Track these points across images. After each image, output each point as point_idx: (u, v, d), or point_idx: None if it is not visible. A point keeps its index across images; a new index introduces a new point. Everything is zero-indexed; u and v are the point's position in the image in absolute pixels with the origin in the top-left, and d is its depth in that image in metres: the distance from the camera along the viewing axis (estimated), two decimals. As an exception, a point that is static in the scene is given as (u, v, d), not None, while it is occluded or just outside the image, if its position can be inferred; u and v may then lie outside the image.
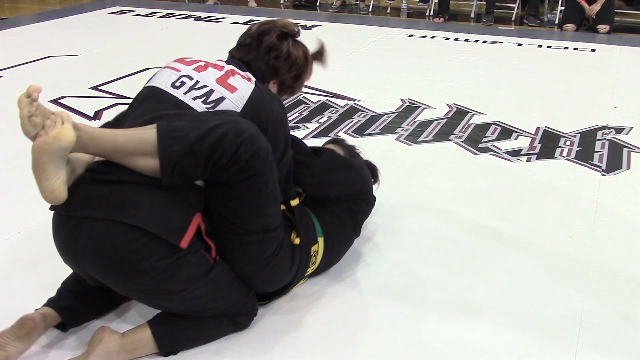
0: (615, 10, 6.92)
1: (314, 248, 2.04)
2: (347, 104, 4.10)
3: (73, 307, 1.89)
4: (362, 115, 3.89)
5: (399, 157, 3.31)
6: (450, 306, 2.09)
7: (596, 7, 6.54)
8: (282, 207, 1.94)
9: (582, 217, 2.69)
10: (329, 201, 2.19)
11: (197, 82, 1.85)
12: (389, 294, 2.14)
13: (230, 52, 2.07)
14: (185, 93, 1.82)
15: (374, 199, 2.39)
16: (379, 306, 2.08)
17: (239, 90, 1.84)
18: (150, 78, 1.95)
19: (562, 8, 7.10)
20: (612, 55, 5.59)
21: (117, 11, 7.26)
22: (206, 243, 1.76)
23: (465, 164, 3.22)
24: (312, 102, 4.14)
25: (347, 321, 2.00)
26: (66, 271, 1.96)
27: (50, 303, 1.88)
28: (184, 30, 6.45)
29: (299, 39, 2.08)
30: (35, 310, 1.86)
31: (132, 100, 1.94)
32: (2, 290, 2.12)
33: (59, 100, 4.03)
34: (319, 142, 3.20)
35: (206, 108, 1.79)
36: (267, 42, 1.99)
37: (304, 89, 4.35)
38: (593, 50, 5.78)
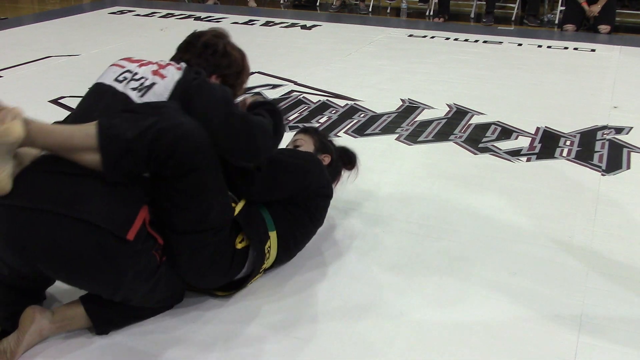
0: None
1: (266, 245, 2.09)
2: (347, 104, 4.09)
3: (17, 303, 1.87)
4: (362, 115, 3.89)
5: (399, 157, 3.31)
6: (450, 306, 2.09)
7: (596, 8, 6.53)
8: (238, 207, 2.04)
9: (582, 217, 2.69)
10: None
11: (136, 74, 1.95)
12: (388, 294, 2.14)
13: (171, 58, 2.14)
14: (125, 85, 1.92)
15: (331, 191, 2.35)
16: (379, 306, 2.08)
17: (168, 77, 1.92)
18: (100, 76, 2.02)
19: (562, 8, 7.10)
20: (612, 55, 5.59)
21: (117, 11, 7.26)
22: (153, 237, 1.82)
23: (465, 164, 3.22)
24: (312, 102, 4.14)
25: (348, 321, 2.00)
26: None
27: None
28: (184, 30, 6.40)
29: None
30: None
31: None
32: None
33: (59, 100, 4.03)
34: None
35: (138, 94, 1.87)
36: (203, 40, 2.10)
37: (303, 89, 4.41)
38: (593, 50, 5.78)
